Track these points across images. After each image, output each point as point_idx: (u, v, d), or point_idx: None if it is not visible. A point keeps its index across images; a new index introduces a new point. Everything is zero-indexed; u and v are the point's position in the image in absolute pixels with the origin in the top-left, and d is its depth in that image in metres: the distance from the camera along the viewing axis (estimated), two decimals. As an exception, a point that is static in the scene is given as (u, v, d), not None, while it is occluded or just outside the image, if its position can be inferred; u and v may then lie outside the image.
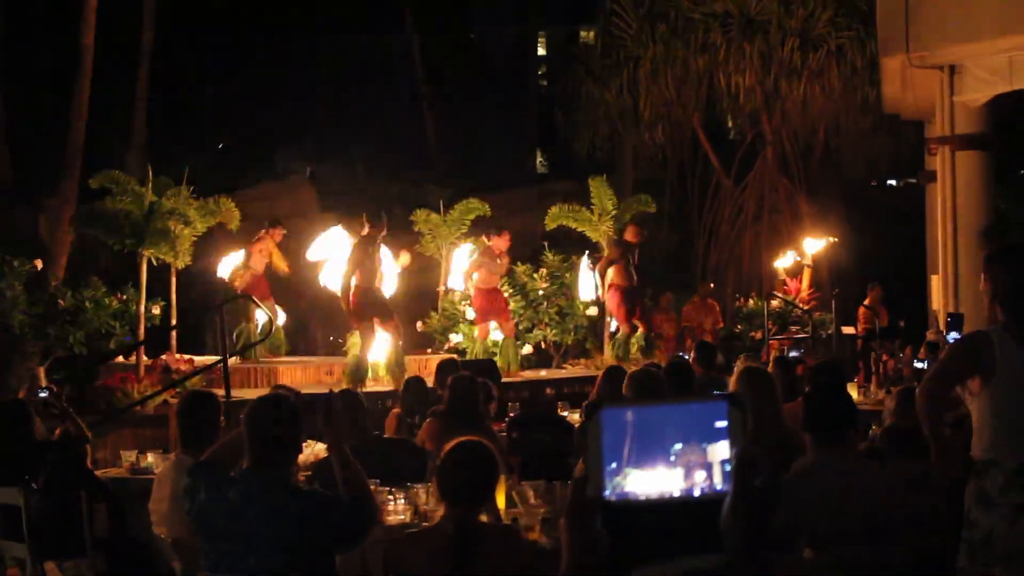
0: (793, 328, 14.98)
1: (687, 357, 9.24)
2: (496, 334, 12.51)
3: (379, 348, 10.90)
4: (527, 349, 13.35)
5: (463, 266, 12.78)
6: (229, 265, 12.62)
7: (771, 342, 13.88)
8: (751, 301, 16.06)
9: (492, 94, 26.95)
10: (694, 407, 2.24)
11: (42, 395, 7.30)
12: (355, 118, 23.66)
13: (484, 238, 12.80)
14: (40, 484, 5.83)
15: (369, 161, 23.09)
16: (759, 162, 19.63)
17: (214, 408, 5.23)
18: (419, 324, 13.57)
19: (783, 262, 16.34)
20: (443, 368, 8.19)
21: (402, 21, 23.85)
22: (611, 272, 12.97)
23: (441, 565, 3.58)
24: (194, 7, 21.83)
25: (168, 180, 11.38)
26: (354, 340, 11.04)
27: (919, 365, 10.03)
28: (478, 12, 28.89)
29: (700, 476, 2.18)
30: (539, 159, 29.93)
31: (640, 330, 13.11)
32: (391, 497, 5.04)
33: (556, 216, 13.94)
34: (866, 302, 14.97)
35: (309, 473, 5.68)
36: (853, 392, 8.44)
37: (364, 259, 10.45)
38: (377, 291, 10.75)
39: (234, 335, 12.08)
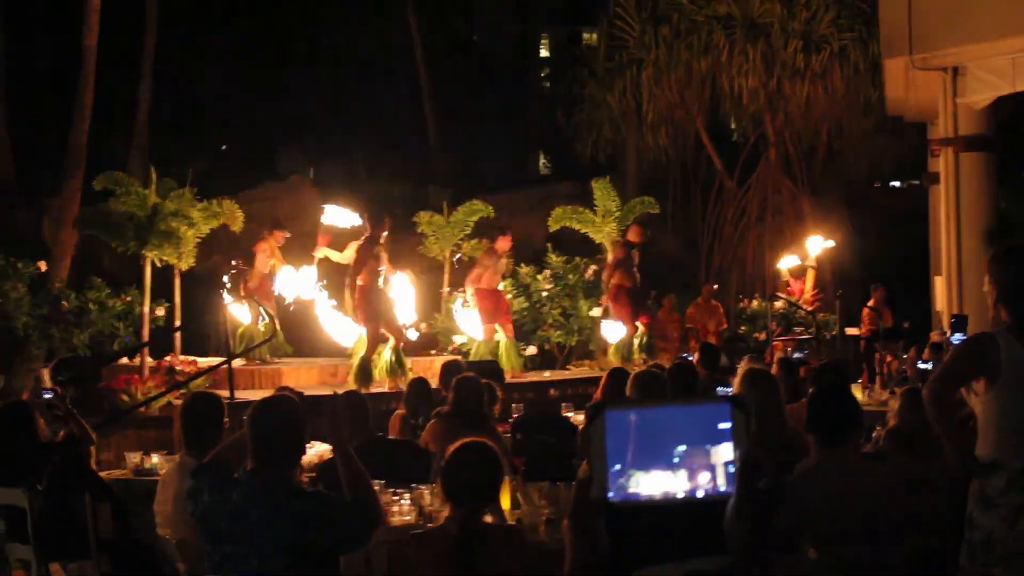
0: (797, 329, 14.98)
1: (691, 359, 9.23)
2: (497, 335, 12.50)
3: (384, 349, 10.89)
4: (531, 350, 13.33)
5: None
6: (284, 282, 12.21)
7: (775, 343, 13.87)
8: (755, 302, 16.06)
9: (494, 95, 26.92)
10: (698, 409, 2.24)
11: (46, 397, 7.29)
12: (357, 119, 23.67)
13: (488, 241, 12.80)
14: (44, 486, 5.83)
15: (370, 162, 23.10)
16: (762, 164, 19.59)
17: (218, 410, 5.22)
18: (423, 325, 13.56)
19: (786, 263, 16.33)
20: (447, 369, 8.19)
21: (404, 22, 23.82)
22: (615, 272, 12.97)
23: (445, 566, 3.58)
24: (195, 8, 21.85)
25: (172, 182, 11.38)
26: (359, 341, 11.04)
27: (923, 366, 10.01)
28: (480, 13, 28.87)
29: (704, 478, 2.18)
30: (541, 160, 29.90)
31: (642, 330, 13.11)
32: (396, 498, 5.04)
33: (560, 217, 13.93)
34: (870, 303, 14.94)
35: (313, 474, 5.66)
36: (857, 393, 8.41)
37: (368, 259, 10.45)
38: (381, 291, 10.75)
39: (237, 336, 12.06)
